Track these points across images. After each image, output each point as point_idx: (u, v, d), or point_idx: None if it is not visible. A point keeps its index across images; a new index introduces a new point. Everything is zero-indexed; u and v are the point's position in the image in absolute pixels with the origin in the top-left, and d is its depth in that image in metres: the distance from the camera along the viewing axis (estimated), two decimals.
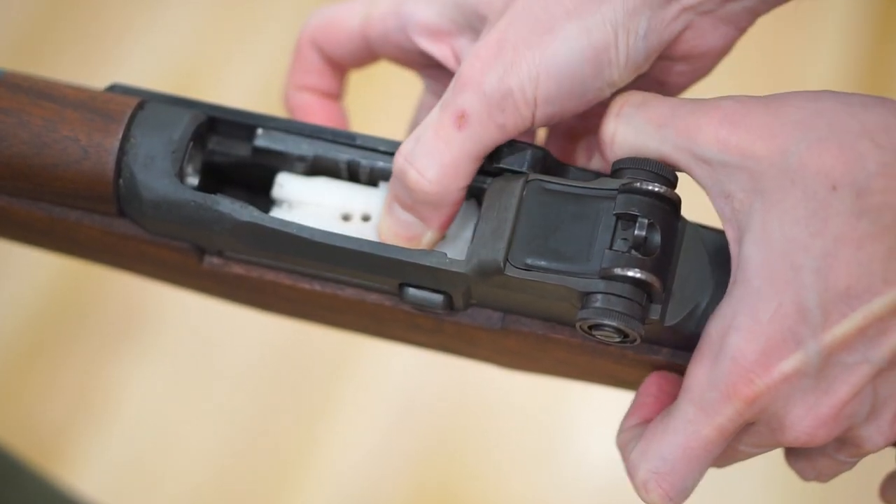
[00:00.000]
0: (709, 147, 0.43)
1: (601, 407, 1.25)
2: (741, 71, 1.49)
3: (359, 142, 0.49)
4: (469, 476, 1.24)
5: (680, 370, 0.47)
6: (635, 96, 0.46)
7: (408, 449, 1.25)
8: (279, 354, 1.29)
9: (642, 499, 0.46)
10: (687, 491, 0.45)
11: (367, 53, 0.53)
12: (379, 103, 1.42)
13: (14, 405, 1.26)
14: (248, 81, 1.41)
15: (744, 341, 0.42)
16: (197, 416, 1.26)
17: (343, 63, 0.54)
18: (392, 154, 0.48)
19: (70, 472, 1.22)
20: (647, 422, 0.47)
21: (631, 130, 0.45)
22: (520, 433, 1.26)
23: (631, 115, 0.46)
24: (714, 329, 0.44)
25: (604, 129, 0.46)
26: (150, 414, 1.26)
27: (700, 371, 0.44)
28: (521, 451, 1.25)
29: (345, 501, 1.22)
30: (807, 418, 0.43)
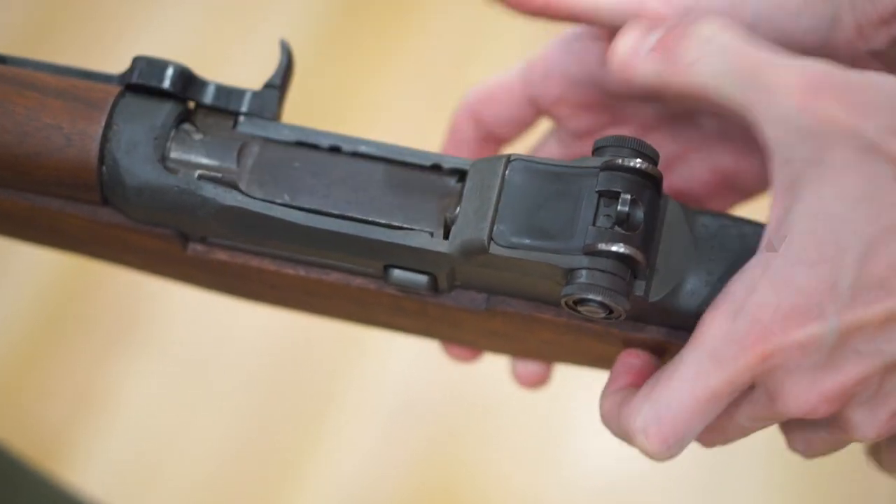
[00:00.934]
0: (788, 108, 0.43)
1: None
2: None
3: (345, 147, 0.49)
4: (469, 476, 1.23)
5: (656, 349, 0.47)
6: (730, 27, 0.45)
7: (408, 449, 1.24)
8: (279, 354, 1.29)
9: (636, 445, 0.46)
10: (684, 442, 0.45)
11: (533, 115, 0.54)
12: (380, 103, 1.42)
13: (14, 405, 1.26)
14: (247, 80, 1.41)
15: (770, 301, 0.43)
16: (196, 417, 1.26)
17: (501, 134, 0.54)
18: (379, 158, 0.48)
19: (69, 472, 1.22)
20: (634, 386, 0.47)
21: (717, 65, 0.44)
22: (520, 433, 1.26)
23: (723, 49, 0.44)
24: (738, 286, 0.44)
25: (684, 49, 0.45)
26: (149, 414, 1.26)
27: (717, 324, 0.44)
28: (522, 450, 1.25)
29: (344, 502, 1.22)
30: (810, 391, 0.43)
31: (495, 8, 0.50)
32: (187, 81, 0.49)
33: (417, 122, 1.42)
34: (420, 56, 1.46)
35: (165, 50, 1.45)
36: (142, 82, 0.49)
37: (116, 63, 1.56)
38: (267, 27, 1.48)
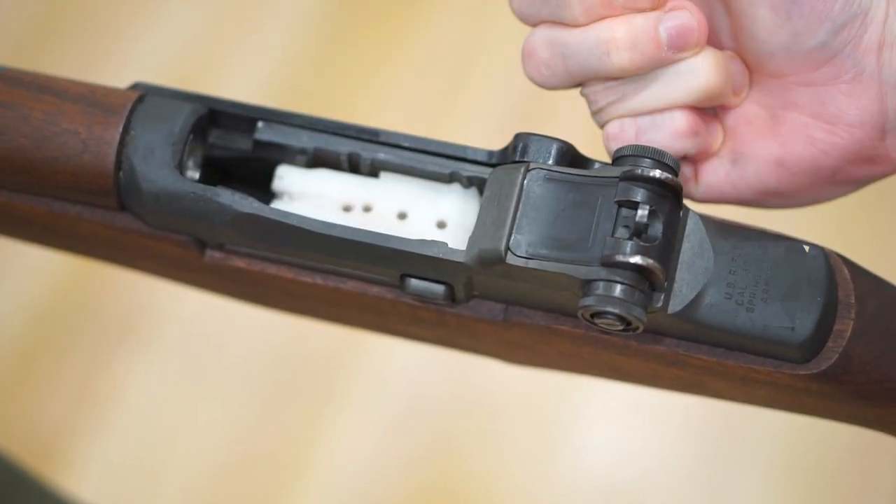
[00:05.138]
0: None
1: (602, 407, 1.25)
2: None
3: (369, 136, 0.49)
4: (470, 476, 1.23)
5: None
6: None
7: (409, 449, 1.24)
8: (280, 355, 1.29)
9: None
10: None
11: None
12: (383, 95, 1.42)
13: (14, 406, 1.26)
14: (250, 79, 1.41)
15: None
16: (197, 417, 1.26)
17: None
18: (398, 146, 0.48)
19: (69, 474, 1.21)
20: None
21: None
22: (521, 433, 1.26)
23: None
24: None
25: None
26: (150, 415, 1.26)
27: None
28: (523, 451, 1.25)
29: (345, 501, 1.22)
30: None
31: None
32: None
33: (420, 114, 1.41)
34: (423, 48, 1.46)
35: (168, 47, 1.45)
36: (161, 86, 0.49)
37: (119, 61, 1.55)
38: (269, 24, 1.48)
